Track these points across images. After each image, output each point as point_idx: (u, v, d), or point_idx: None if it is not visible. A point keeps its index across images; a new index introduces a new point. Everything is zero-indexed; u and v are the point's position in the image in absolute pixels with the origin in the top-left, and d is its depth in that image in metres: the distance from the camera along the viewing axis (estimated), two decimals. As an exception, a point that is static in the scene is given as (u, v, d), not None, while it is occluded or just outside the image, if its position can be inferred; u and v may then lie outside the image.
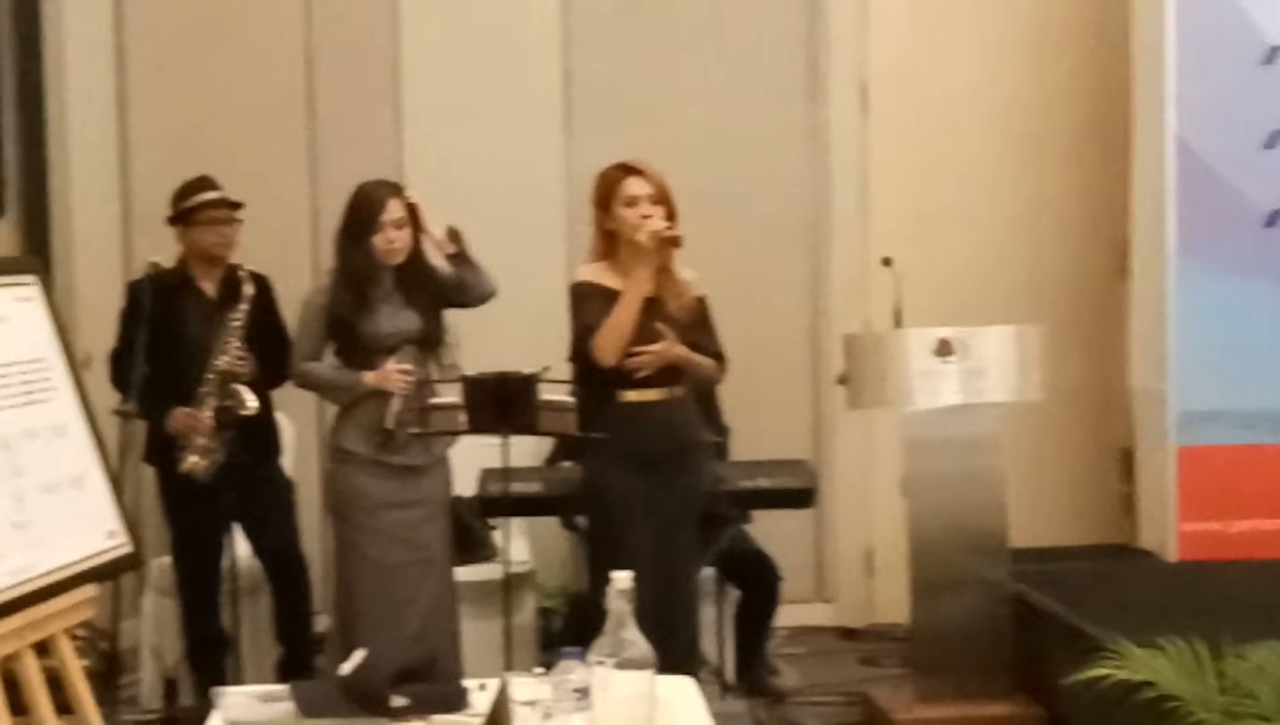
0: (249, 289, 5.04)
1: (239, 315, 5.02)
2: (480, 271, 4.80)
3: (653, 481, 4.66)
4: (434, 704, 3.12)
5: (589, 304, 4.68)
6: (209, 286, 5.25)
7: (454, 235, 4.77)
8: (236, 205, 5.26)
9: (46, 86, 6.10)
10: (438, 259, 4.79)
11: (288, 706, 3.15)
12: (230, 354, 4.99)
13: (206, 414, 4.98)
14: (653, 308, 4.64)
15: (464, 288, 4.80)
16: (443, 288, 4.82)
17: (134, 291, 5.20)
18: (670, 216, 4.64)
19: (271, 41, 6.46)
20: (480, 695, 3.18)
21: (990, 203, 6.60)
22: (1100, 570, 5.99)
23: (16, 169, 4.22)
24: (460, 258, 4.77)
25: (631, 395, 4.67)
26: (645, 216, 4.61)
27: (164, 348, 5.06)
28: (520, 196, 6.42)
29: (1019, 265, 6.58)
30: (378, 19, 6.48)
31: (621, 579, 2.79)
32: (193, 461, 4.98)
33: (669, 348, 4.62)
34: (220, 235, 5.21)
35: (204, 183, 5.25)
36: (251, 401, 4.98)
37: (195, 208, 5.19)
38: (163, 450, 5.13)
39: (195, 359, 5.04)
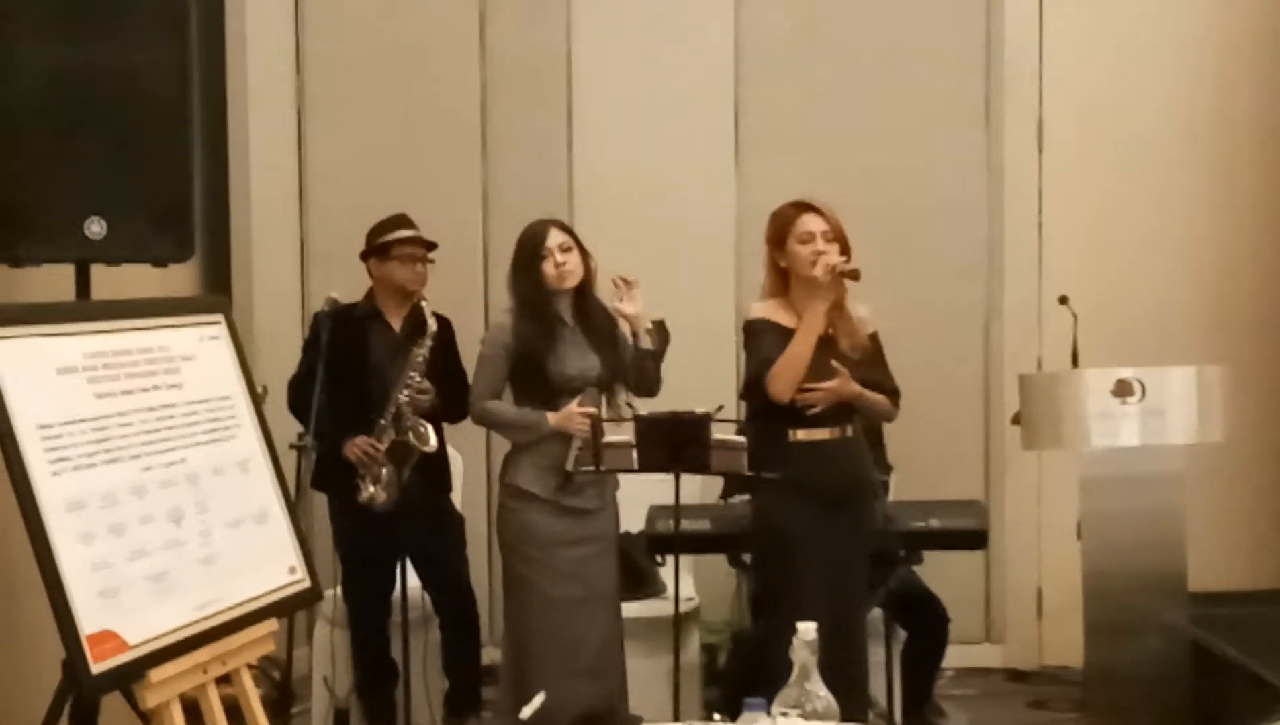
0: (433, 324, 5.09)
1: (423, 349, 5.07)
2: (657, 373, 4.85)
3: (823, 520, 4.61)
4: (614, 749, 3.12)
5: (764, 340, 4.66)
6: (395, 321, 5.34)
7: (660, 331, 4.82)
8: (431, 246, 5.38)
9: (230, 128, 6.25)
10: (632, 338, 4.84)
11: (468, 747, 3.18)
12: (413, 387, 5.06)
13: (384, 445, 5.05)
14: (826, 346, 4.61)
15: (639, 375, 4.85)
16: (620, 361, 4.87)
17: (319, 321, 5.28)
18: (845, 253, 4.62)
19: (446, 80, 6.54)
20: (659, 741, 3.18)
21: (1169, 238, 6.46)
22: (1283, 616, 5.83)
23: (201, 209, 4.34)
24: (653, 355, 4.81)
25: (803, 434, 4.64)
26: (820, 252, 4.59)
27: (347, 377, 5.15)
28: (691, 233, 6.43)
29: (1198, 300, 6.44)
30: (551, 57, 6.54)
31: (806, 630, 2.77)
32: (371, 492, 5.05)
33: (843, 385, 4.58)
34: (414, 272, 5.32)
35: (402, 220, 5.37)
36: (432, 439, 5.04)
37: (393, 242, 5.31)
38: (335, 477, 5.21)
39: (377, 390, 5.14)
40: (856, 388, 4.62)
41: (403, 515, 5.08)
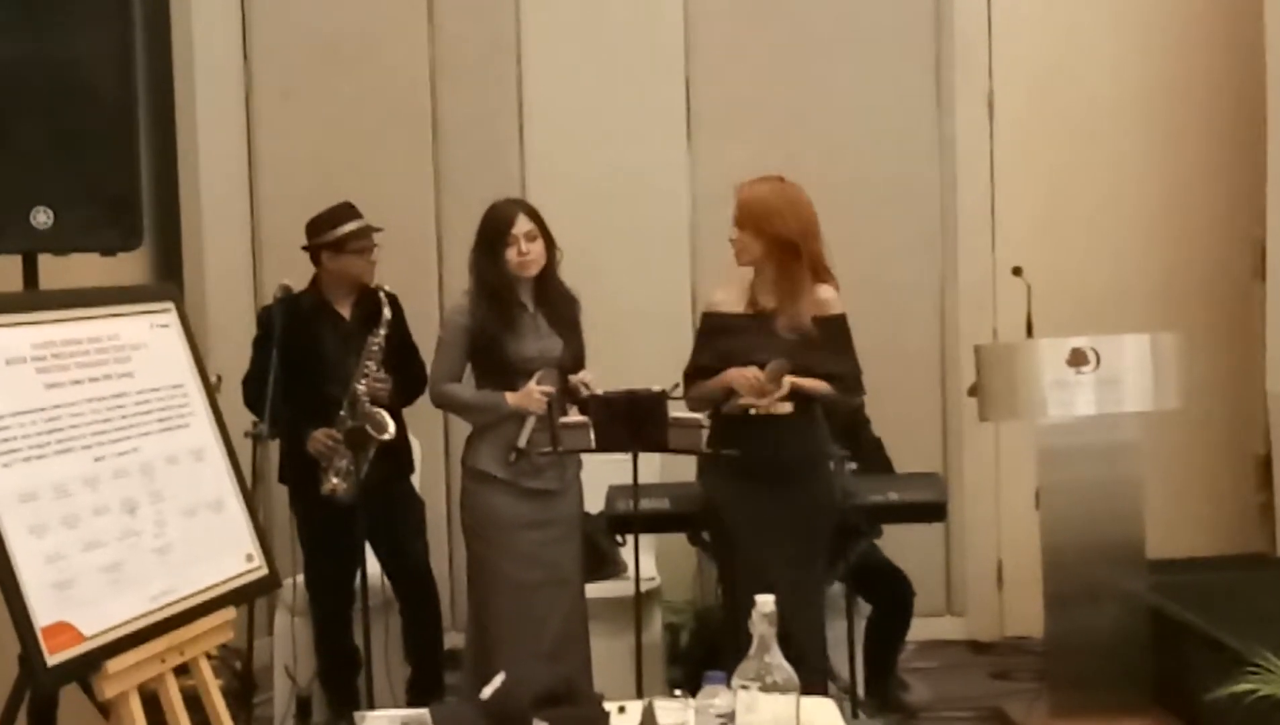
0: (387, 313, 5.05)
1: (378, 339, 5.04)
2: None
3: (772, 495, 4.60)
4: (575, 727, 3.11)
5: (704, 346, 4.71)
6: (345, 309, 5.30)
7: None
8: (377, 230, 5.33)
9: (177, 115, 6.20)
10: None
11: (429, 730, 3.17)
12: (370, 376, 5.03)
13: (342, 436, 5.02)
14: (766, 323, 4.60)
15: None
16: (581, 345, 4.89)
17: (265, 317, 5.25)
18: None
19: (396, 63, 6.49)
20: (621, 718, 3.17)
21: (1121, 208, 6.49)
22: (1239, 581, 5.87)
23: (150, 197, 4.29)
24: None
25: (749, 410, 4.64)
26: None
27: (301, 370, 5.10)
28: (645, 212, 6.42)
29: (1151, 270, 6.47)
30: (501, 38, 6.50)
31: (764, 603, 2.76)
32: (334, 483, 5.03)
33: (777, 398, 4.53)
34: (369, 262, 5.28)
35: (349, 211, 5.29)
36: (390, 427, 5.01)
37: (346, 237, 5.24)
38: (298, 470, 5.20)
39: (332, 381, 5.09)
40: (786, 389, 4.51)
41: (364, 501, 5.04)
